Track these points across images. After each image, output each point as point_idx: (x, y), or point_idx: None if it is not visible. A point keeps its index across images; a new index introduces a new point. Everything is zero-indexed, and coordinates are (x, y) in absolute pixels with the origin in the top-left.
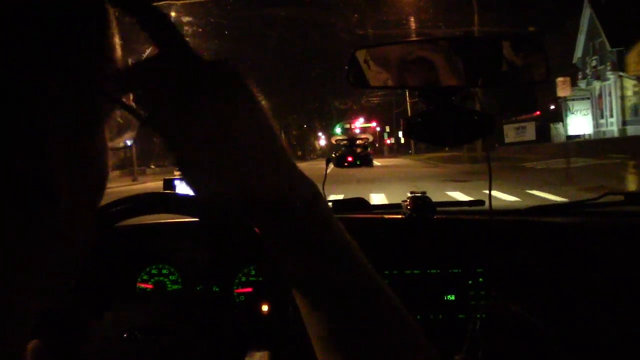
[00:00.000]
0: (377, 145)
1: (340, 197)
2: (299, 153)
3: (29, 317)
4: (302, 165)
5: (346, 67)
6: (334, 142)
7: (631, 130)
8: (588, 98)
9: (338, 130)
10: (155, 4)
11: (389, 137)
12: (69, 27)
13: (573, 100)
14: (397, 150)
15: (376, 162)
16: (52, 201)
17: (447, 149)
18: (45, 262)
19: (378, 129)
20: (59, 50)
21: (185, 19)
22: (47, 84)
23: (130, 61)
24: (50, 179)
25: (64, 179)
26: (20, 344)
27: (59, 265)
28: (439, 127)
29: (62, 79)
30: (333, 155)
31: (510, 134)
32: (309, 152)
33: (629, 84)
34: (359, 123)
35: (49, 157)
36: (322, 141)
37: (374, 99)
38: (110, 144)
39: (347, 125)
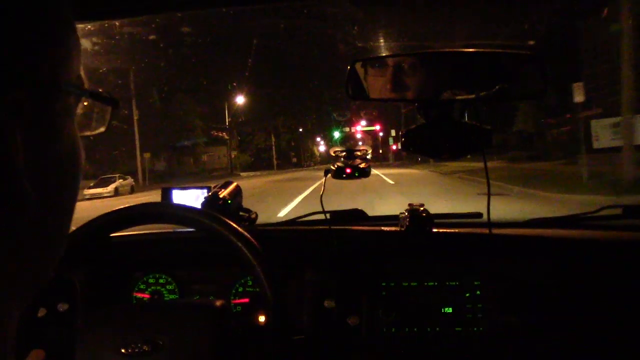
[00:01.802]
0: (380, 151)
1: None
2: (294, 160)
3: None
4: (291, 176)
5: (346, 78)
6: (332, 153)
7: None
8: None
9: (337, 134)
10: (157, 14)
11: (395, 142)
12: (24, 30)
13: None
14: (406, 157)
15: (377, 172)
16: (20, 209)
17: (468, 156)
18: (14, 267)
19: (381, 134)
20: (16, 56)
21: (185, 29)
22: (1, 90)
23: None
24: (18, 188)
25: (31, 186)
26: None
27: (30, 270)
28: (437, 139)
29: (16, 81)
30: (332, 167)
31: (604, 134)
32: (307, 158)
33: None
34: (360, 126)
35: (14, 165)
36: (322, 147)
37: (374, 112)
38: (83, 133)
39: (347, 129)
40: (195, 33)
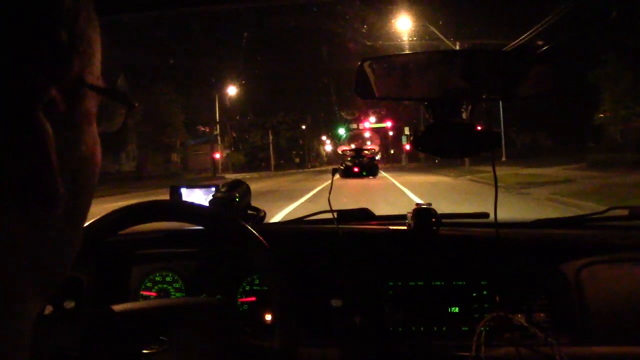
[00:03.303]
0: (392, 151)
1: None
2: (297, 160)
3: (26, 319)
4: (272, 184)
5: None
6: (339, 152)
7: None
8: None
9: (342, 131)
10: (167, 10)
11: (408, 141)
12: (52, 27)
13: None
14: (424, 160)
15: (391, 179)
16: (51, 206)
17: (503, 159)
18: (40, 264)
19: (391, 133)
20: (48, 52)
21: (195, 26)
22: (39, 88)
23: None
24: (52, 185)
25: (62, 184)
26: (19, 344)
27: (52, 267)
28: (446, 139)
29: (52, 80)
30: (340, 166)
31: None
32: (312, 158)
33: None
34: (369, 123)
35: (50, 162)
36: (328, 146)
37: (382, 110)
38: (101, 130)
39: (355, 126)
40: (189, 20)
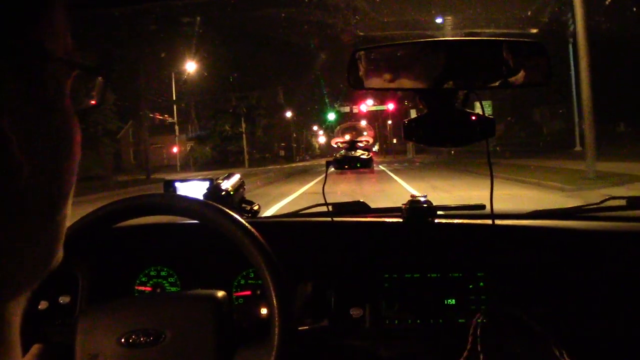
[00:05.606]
0: (394, 140)
1: None
2: (282, 153)
3: (13, 310)
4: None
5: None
6: (333, 144)
7: None
8: None
9: (332, 116)
10: (155, 3)
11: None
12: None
13: None
14: (435, 150)
15: (406, 186)
16: (12, 179)
17: (577, 147)
18: (21, 254)
19: (390, 122)
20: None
21: (185, 19)
22: None
23: None
24: (10, 158)
25: (25, 157)
26: (9, 335)
27: (35, 256)
28: (440, 129)
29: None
30: (333, 158)
31: None
32: (302, 151)
33: None
34: (365, 106)
35: (6, 139)
36: (322, 138)
37: (375, 101)
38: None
39: (347, 109)
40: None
